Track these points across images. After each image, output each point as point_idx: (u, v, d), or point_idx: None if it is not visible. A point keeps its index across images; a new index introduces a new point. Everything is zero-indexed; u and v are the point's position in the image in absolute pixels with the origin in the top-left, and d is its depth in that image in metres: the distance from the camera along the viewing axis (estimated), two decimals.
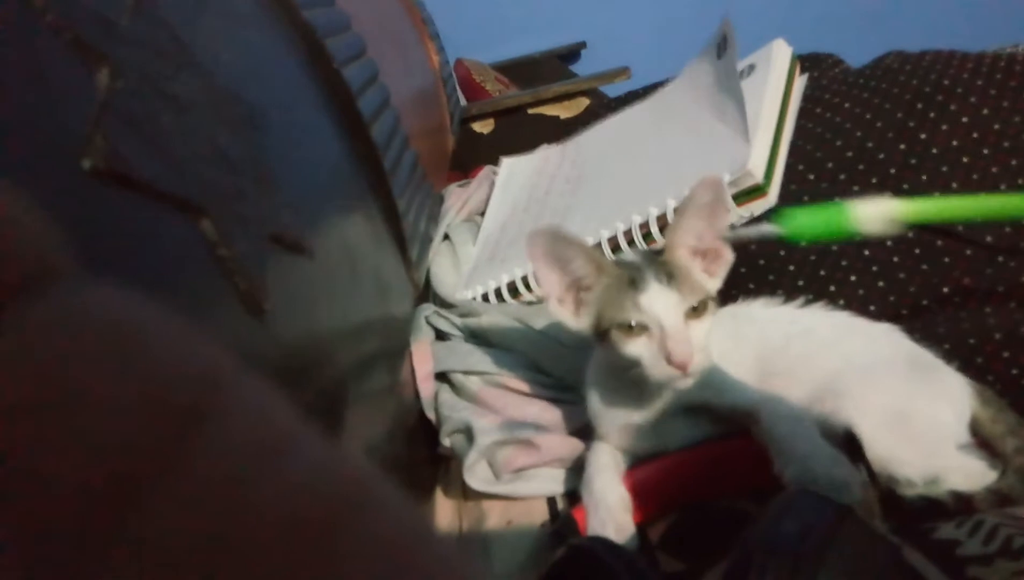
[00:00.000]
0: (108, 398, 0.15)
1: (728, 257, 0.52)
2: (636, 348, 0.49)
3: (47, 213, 0.28)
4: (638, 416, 0.55)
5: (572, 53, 1.90)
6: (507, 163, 1.01)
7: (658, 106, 0.85)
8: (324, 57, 0.63)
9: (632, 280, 0.49)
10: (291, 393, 0.40)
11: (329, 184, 0.57)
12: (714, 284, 0.52)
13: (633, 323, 0.49)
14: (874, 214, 0.55)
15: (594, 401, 0.57)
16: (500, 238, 0.86)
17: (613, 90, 1.42)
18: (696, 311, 0.49)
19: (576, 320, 0.53)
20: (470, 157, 1.29)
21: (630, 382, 0.51)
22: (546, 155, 0.97)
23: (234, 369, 0.18)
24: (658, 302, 0.48)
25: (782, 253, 0.66)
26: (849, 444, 0.48)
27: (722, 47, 0.74)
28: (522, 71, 1.78)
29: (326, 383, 0.46)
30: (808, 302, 0.60)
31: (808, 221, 0.56)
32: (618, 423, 0.55)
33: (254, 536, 0.15)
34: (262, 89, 0.51)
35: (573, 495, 0.60)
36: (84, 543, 0.14)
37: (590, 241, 0.73)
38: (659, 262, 0.50)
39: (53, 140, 0.30)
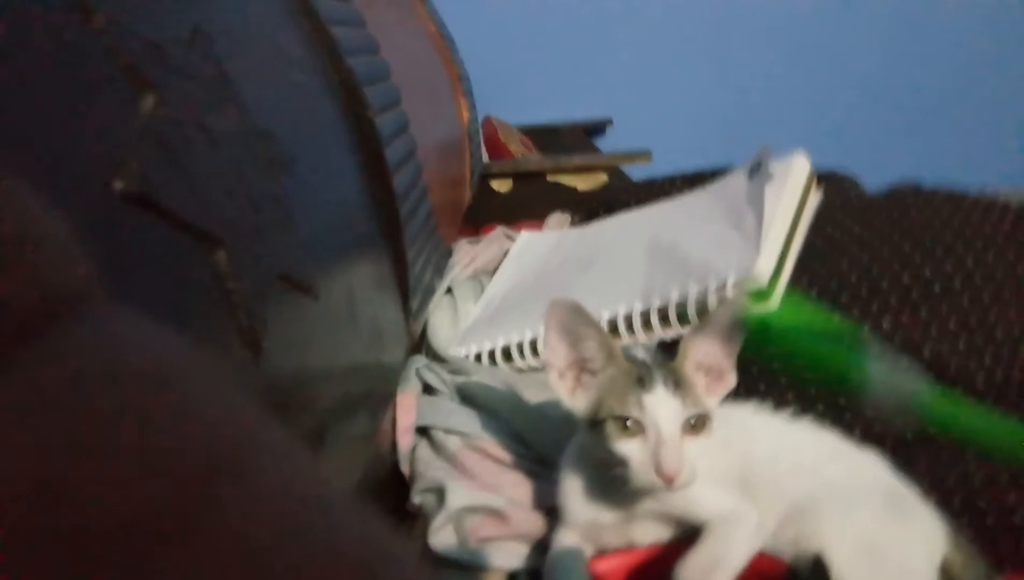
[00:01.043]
0: (138, 447, 0.15)
1: (731, 381, 0.52)
2: (628, 448, 0.49)
3: (74, 228, 0.29)
4: (607, 515, 0.54)
5: (597, 128, 1.95)
6: (525, 237, 1.02)
7: (681, 208, 0.87)
8: (360, 104, 0.65)
9: (640, 378, 0.50)
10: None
11: (344, 228, 0.58)
12: (711, 403, 0.52)
13: (630, 422, 0.49)
14: None
15: (565, 489, 0.56)
16: (501, 304, 0.87)
17: (633, 171, 1.45)
18: (694, 427, 0.49)
19: (571, 398, 0.53)
20: (484, 213, 1.31)
21: (607, 477, 0.51)
22: (562, 237, 0.99)
23: (262, 421, 0.18)
24: (662, 407, 0.48)
25: (775, 366, 0.66)
26: (816, 569, 0.48)
27: (755, 170, 0.76)
28: (546, 137, 1.82)
29: (308, 425, 0.46)
30: (795, 415, 0.60)
31: None
32: (585, 518, 0.55)
33: None
34: (296, 129, 0.52)
35: (534, 573, 0.59)
36: None
37: None
38: (669, 368, 0.51)
39: (90, 157, 0.31)
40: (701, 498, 0.52)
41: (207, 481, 0.15)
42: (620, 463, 0.49)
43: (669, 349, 0.71)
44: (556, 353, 0.53)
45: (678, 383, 0.49)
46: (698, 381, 0.52)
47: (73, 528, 0.13)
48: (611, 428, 0.50)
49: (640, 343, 0.72)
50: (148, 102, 0.35)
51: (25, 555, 0.13)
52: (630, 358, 0.52)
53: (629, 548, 0.55)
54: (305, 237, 0.48)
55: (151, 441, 0.15)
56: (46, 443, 0.14)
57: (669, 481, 0.47)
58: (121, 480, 0.14)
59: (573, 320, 0.51)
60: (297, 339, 0.45)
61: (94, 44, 0.33)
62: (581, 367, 0.53)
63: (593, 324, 0.52)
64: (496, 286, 0.91)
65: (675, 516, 0.53)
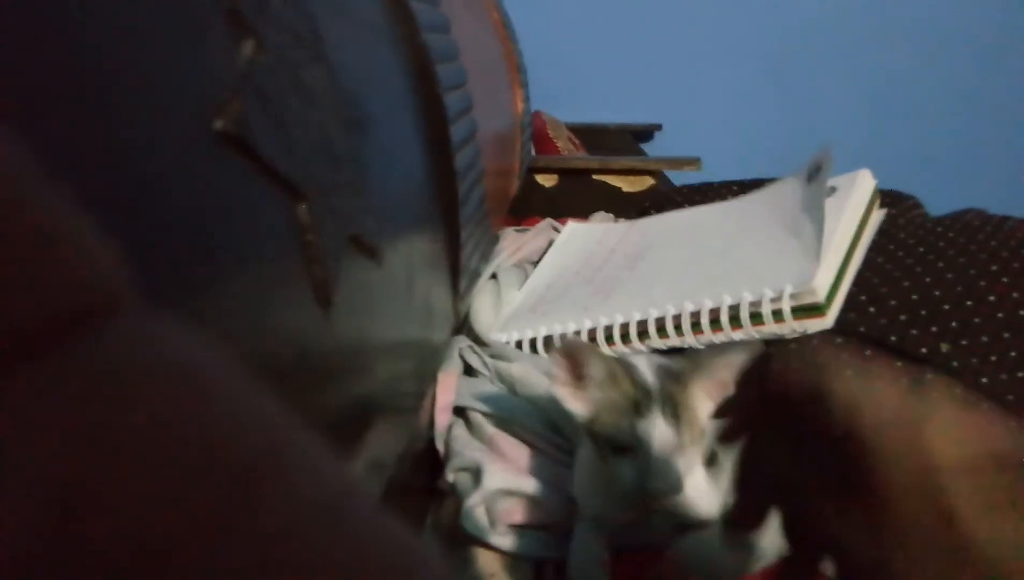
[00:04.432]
0: (174, 445, 0.14)
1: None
2: (620, 468, 0.51)
3: (171, 167, 0.29)
4: (618, 514, 0.55)
5: (646, 132, 1.94)
6: (571, 227, 1.03)
7: (735, 210, 0.86)
8: (431, 80, 0.65)
9: (637, 404, 0.51)
10: (335, 390, 0.40)
11: (408, 199, 0.58)
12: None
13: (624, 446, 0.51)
14: None
15: (578, 481, 0.58)
16: (545, 294, 0.87)
17: (678, 176, 1.44)
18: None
19: (573, 402, 0.55)
20: (527, 206, 1.31)
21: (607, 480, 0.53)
22: (609, 229, 0.98)
23: (293, 422, 0.18)
24: (656, 433, 0.50)
25: None
26: None
27: (814, 173, 0.75)
28: (594, 136, 1.82)
29: (364, 388, 0.46)
30: None
31: None
32: (597, 512, 0.56)
33: None
34: (373, 96, 0.52)
35: (560, 563, 0.59)
36: None
37: (637, 316, 0.74)
38: (670, 394, 0.51)
39: (193, 95, 0.31)
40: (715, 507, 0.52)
41: (247, 481, 0.15)
42: (613, 479, 0.52)
43: None
44: (561, 371, 0.55)
45: (677, 414, 0.50)
46: (703, 406, 0.51)
47: (105, 530, 0.13)
48: (603, 445, 0.52)
49: (687, 346, 0.71)
50: (248, 48, 0.35)
51: (54, 556, 0.13)
52: (636, 381, 0.53)
53: (647, 548, 0.55)
54: (375, 203, 0.48)
55: (187, 440, 0.15)
56: (76, 443, 0.13)
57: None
58: (157, 478, 0.14)
59: (580, 354, 0.54)
60: (360, 302, 0.45)
61: None
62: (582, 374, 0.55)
63: (599, 355, 0.54)
64: (540, 275, 0.91)
65: (689, 521, 0.53)
